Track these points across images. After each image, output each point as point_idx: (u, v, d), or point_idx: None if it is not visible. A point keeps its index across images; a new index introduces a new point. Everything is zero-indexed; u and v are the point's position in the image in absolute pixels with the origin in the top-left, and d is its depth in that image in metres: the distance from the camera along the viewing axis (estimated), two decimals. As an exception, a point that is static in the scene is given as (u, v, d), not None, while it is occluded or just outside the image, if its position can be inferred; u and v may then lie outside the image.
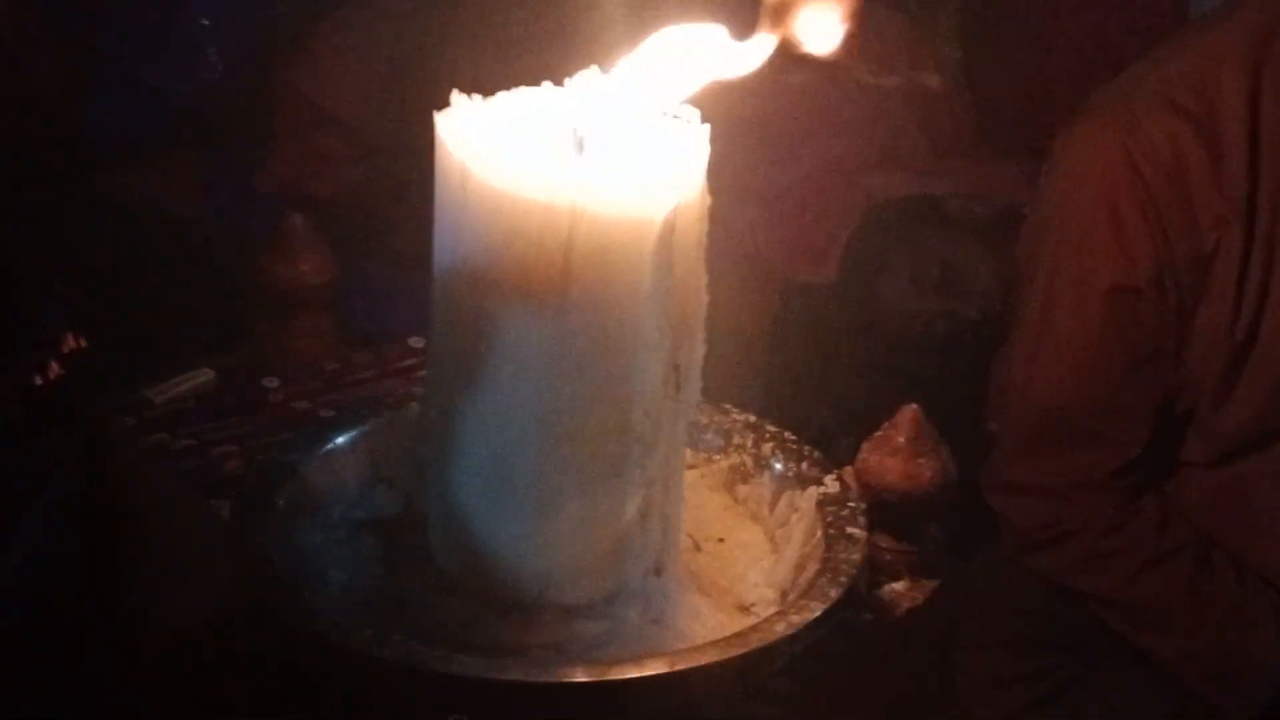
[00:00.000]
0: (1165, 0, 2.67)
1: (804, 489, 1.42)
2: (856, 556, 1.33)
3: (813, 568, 1.33)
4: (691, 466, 1.35)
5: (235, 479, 1.43)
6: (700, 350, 1.28)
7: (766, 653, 1.23)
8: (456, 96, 1.25)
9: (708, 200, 1.25)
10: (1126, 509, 1.69)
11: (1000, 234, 2.50)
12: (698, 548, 1.42)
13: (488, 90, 1.27)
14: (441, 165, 1.23)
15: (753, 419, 1.50)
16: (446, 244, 1.25)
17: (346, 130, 2.73)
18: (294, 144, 2.72)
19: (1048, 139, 2.23)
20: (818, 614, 1.26)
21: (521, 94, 1.28)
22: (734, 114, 1.29)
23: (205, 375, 1.62)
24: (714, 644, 1.23)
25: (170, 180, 2.60)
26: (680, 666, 1.21)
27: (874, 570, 1.37)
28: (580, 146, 1.24)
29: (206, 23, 2.57)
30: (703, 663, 1.21)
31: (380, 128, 2.70)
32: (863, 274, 2.60)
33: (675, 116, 1.26)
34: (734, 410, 1.50)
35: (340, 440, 1.45)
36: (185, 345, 1.68)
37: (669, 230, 1.20)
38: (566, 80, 1.25)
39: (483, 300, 1.22)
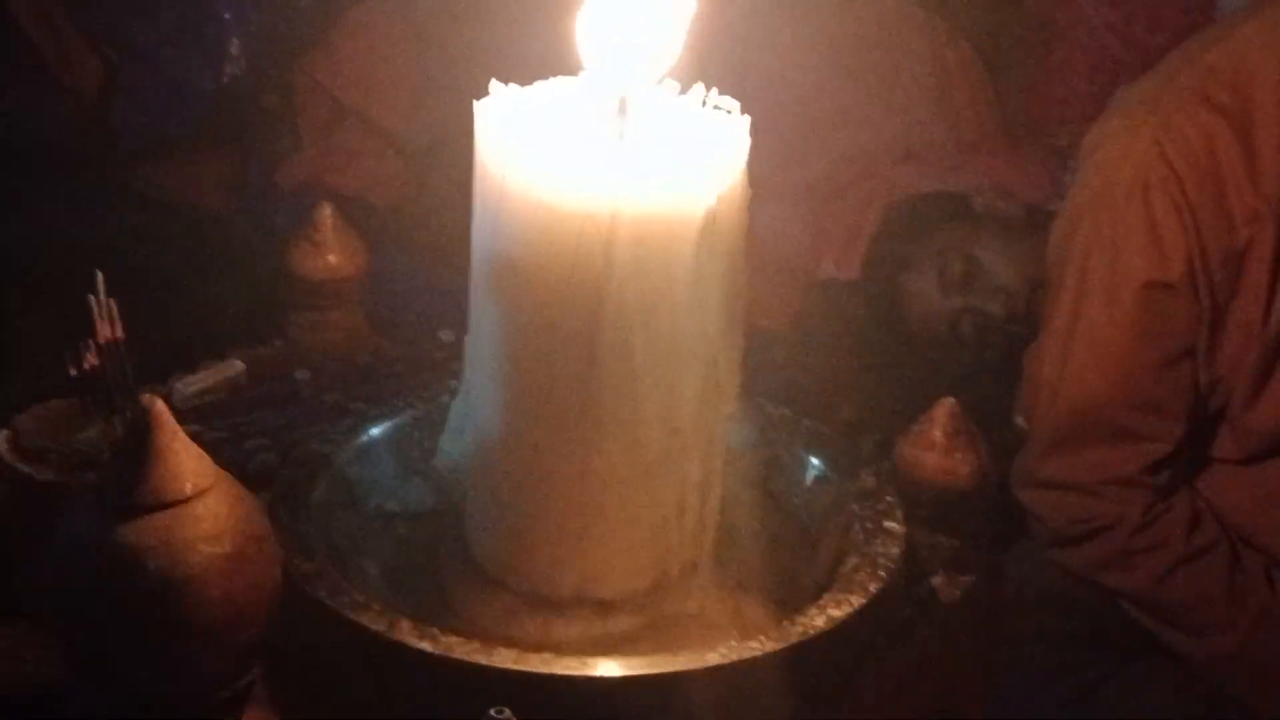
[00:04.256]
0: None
1: (840, 483, 1.42)
2: (895, 550, 1.33)
3: (851, 562, 1.33)
4: (727, 461, 1.34)
5: (269, 471, 1.43)
6: (740, 344, 1.28)
7: (805, 647, 1.23)
8: (495, 85, 1.24)
9: (749, 193, 1.25)
10: (1157, 506, 1.68)
11: (1026, 230, 2.48)
12: (734, 542, 1.41)
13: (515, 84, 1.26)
14: (480, 164, 1.22)
15: (788, 414, 1.49)
16: (485, 242, 1.24)
17: (369, 125, 2.73)
18: (316, 139, 2.72)
19: (1070, 135, 2.22)
20: (856, 608, 1.26)
21: (559, 82, 1.27)
22: (755, 109, 1.28)
23: (236, 367, 1.62)
24: (752, 638, 1.23)
25: (199, 175, 2.60)
26: (718, 661, 1.20)
27: (912, 564, 1.37)
28: (621, 127, 1.22)
29: (228, 16, 2.57)
30: (740, 657, 1.21)
31: (404, 121, 2.70)
32: (886, 270, 2.58)
33: (715, 107, 1.25)
34: (769, 405, 1.50)
35: (374, 433, 1.46)
36: (216, 337, 1.67)
37: (710, 223, 1.20)
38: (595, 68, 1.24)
39: (522, 298, 1.22)
